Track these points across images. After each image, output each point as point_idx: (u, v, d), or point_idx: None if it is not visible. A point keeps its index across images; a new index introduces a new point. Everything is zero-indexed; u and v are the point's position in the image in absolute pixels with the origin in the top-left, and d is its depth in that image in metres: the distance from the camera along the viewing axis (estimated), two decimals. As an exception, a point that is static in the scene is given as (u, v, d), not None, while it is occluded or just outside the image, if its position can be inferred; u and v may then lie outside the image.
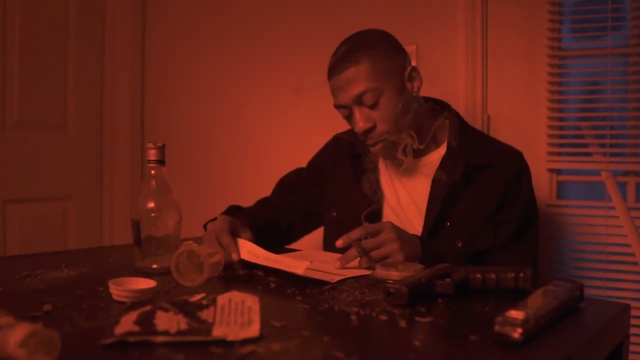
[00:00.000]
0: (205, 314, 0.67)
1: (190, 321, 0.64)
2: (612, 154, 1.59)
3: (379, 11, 1.85)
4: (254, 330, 0.63)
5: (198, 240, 1.06)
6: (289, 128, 2.03)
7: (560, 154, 1.66)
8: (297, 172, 1.46)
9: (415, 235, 1.13)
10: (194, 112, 2.21)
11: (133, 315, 0.65)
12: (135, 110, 2.23)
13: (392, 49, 1.20)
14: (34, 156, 1.98)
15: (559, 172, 1.68)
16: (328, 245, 1.36)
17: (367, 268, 1.03)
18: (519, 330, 0.63)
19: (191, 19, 2.21)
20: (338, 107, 1.22)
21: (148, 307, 0.67)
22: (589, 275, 1.60)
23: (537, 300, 0.72)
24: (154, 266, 1.01)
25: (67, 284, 0.90)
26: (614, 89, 1.60)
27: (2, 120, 1.89)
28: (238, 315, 0.67)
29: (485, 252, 1.20)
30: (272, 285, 0.92)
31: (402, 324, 0.70)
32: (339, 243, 1.04)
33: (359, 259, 1.04)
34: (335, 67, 1.19)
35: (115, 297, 0.79)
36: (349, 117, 1.22)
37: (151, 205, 1.02)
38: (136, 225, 1.02)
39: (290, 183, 1.44)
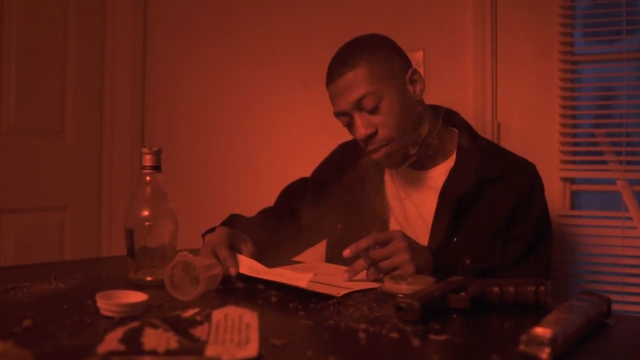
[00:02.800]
0: (199, 331, 0.61)
1: (182, 339, 0.58)
2: (629, 162, 1.53)
3: (386, 16, 1.81)
4: (251, 350, 0.57)
5: (196, 252, 1.00)
6: (291, 134, 1.98)
7: (573, 162, 1.60)
8: (302, 182, 1.40)
9: (426, 247, 1.08)
10: (196, 118, 2.17)
11: (119, 332, 0.59)
12: (136, 116, 2.18)
13: (391, 52, 1.16)
14: (30, 164, 1.93)
15: (572, 181, 1.62)
16: (331, 258, 1.31)
17: (375, 280, 0.97)
18: (547, 350, 0.57)
19: (191, 25, 2.18)
20: (338, 114, 1.17)
21: (136, 324, 0.61)
22: (606, 289, 1.54)
23: (562, 317, 0.66)
24: (148, 278, 0.95)
25: (53, 297, 0.84)
26: (629, 95, 1.55)
27: (-2, 125, 1.85)
28: (235, 333, 0.61)
29: (495, 269, 1.14)
30: (274, 299, 0.86)
31: (416, 342, 0.63)
32: (347, 253, 0.98)
33: (366, 270, 0.98)
34: (333, 73, 1.15)
35: (103, 312, 0.73)
36: (350, 125, 1.17)
37: (145, 213, 0.96)
38: (129, 235, 0.97)
39: (294, 193, 1.38)
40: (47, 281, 0.94)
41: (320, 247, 1.39)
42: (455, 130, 1.25)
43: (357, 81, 1.11)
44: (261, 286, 0.94)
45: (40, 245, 1.94)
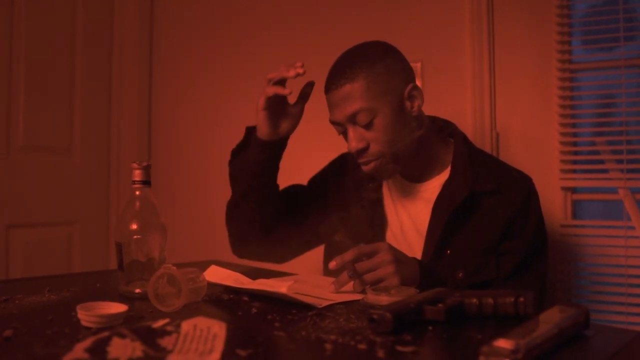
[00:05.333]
0: (166, 341, 0.62)
1: (147, 349, 0.59)
2: (630, 170, 1.50)
3: (384, 27, 1.82)
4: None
5: (189, 265, 1.02)
6: (293, 150, 1.99)
7: (574, 171, 1.58)
8: (300, 186, 1.39)
9: (414, 258, 1.07)
10: (202, 135, 2.20)
11: (88, 342, 0.61)
12: (142, 132, 2.22)
13: (392, 65, 1.15)
14: (39, 180, 1.98)
15: (573, 190, 1.59)
16: (328, 270, 1.30)
17: (361, 292, 0.97)
18: (507, 361, 0.56)
19: (196, 43, 2.22)
20: (333, 123, 1.18)
21: (106, 334, 0.63)
22: (609, 300, 1.50)
23: (532, 328, 0.65)
24: (137, 291, 0.97)
25: (42, 308, 0.86)
26: (629, 102, 1.53)
27: (7, 144, 1.90)
28: (201, 343, 0.62)
29: (489, 283, 1.13)
30: (254, 310, 0.86)
31: (380, 353, 0.63)
32: (332, 265, 0.99)
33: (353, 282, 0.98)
34: (331, 83, 1.16)
35: (83, 323, 0.75)
36: (344, 134, 1.18)
37: (134, 227, 0.98)
38: (119, 249, 0.99)
39: (292, 193, 1.35)
40: (41, 293, 0.97)
41: (318, 259, 1.39)
42: (452, 140, 1.25)
43: (353, 95, 1.12)
44: (246, 298, 0.95)
45: (49, 259, 1.99)
